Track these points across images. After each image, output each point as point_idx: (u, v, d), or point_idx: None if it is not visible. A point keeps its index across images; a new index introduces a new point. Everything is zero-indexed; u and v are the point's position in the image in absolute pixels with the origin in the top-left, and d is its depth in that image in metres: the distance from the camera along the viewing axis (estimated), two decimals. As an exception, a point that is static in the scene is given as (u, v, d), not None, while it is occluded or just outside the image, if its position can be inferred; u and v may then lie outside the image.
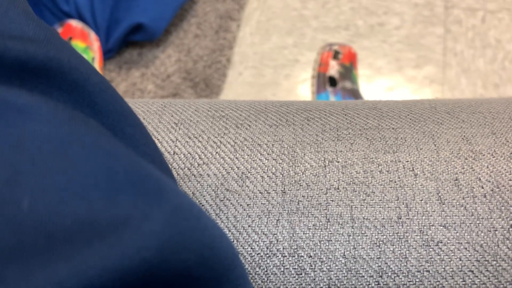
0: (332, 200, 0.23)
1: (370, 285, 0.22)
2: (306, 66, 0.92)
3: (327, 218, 0.23)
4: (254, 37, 0.96)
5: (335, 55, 0.83)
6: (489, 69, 0.91)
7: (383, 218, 0.23)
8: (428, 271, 0.22)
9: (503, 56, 0.92)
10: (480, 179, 0.23)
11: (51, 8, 0.88)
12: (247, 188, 0.24)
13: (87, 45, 0.85)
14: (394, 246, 0.22)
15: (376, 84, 0.90)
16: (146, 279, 0.13)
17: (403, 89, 0.90)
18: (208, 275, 0.15)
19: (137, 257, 0.13)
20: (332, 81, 0.81)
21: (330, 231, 0.22)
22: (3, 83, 0.15)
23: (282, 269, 0.22)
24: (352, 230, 0.22)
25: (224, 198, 0.24)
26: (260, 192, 0.24)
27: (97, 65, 0.86)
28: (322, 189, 0.24)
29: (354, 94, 0.81)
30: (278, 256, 0.22)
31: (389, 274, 0.22)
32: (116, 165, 0.15)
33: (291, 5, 1.00)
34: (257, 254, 0.22)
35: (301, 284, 0.22)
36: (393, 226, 0.22)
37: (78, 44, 0.83)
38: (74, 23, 0.85)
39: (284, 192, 0.24)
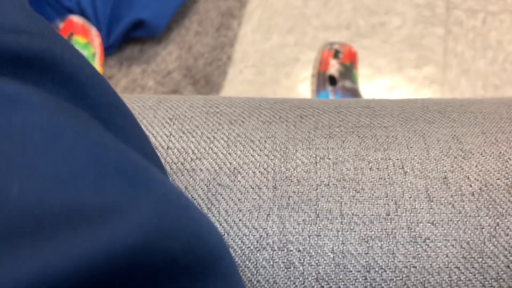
0: (322, 196, 0.24)
1: (357, 280, 0.22)
2: (307, 65, 0.92)
3: (317, 213, 0.23)
4: (255, 35, 0.96)
5: (336, 54, 0.83)
6: (490, 70, 0.91)
7: (372, 215, 0.23)
8: (415, 267, 0.22)
9: (503, 57, 0.92)
10: (468, 178, 0.24)
11: (52, 4, 0.88)
12: (238, 183, 0.24)
13: (88, 40, 0.85)
14: (382, 242, 0.22)
15: (376, 84, 0.90)
16: (132, 266, 0.13)
17: (403, 89, 0.90)
18: (195, 264, 0.16)
19: (122, 243, 0.13)
20: (332, 80, 0.81)
21: (320, 226, 0.23)
22: None
23: (271, 263, 0.22)
24: (341, 225, 0.23)
25: (216, 192, 0.24)
26: (251, 187, 0.24)
27: (98, 61, 0.86)
28: (312, 185, 0.24)
29: (354, 93, 0.81)
30: (267, 250, 0.23)
31: (377, 269, 0.22)
32: (104, 155, 0.15)
33: (292, 3, 1.00)
34: (247, 247, 0.23)
35: (290, 278, 0.22)
36: (381, 222, 0.23)
37: (79, 40, 0.84)
38: (76, 18, 0.85)
39: (275, 188, 0.24)
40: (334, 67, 0.82)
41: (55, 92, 0.17)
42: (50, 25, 0.20)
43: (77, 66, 0.19)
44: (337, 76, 0.81)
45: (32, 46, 0.17)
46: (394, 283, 0.22)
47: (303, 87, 0.90)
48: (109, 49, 0.91)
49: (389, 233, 0.23)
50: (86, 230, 0.13)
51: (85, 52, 0.84)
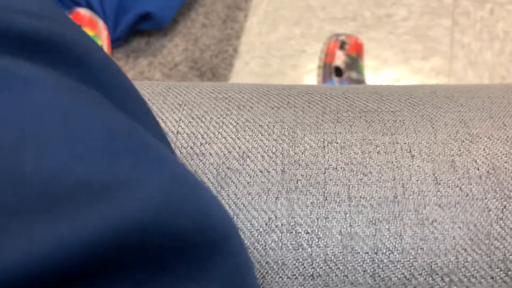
0: (330, 179, 0.24)
1: (365, 261, 0.22)
2: (313, 57, 0.92)
3: (325, 196, 0.23)
4: (261, 27, 0.96)
5: (342, 45, 0.83)
6: (497, 61, 0.90)
7: (380, 197, 0.23)
8: (422, 248, 0.22)
9: (511, 48, 0.91)
10: (476, 161, 0.24)
11: (60, -4, 0.89)
12: (247, 167, 0.24)
13: (95, 33, 0.85)
14: (390, 224, 0.23)
15: (382, 75, 0.90)
16: (142, 241, 0.14)
17: (410, 81, 0.90)
18: (204, 242, 0.16)
19: (133, 218, 0.13)
20: (338, 71, 0.81)
21: (328, 209, 0.23)
22: (8, 55, 0.16)
23: (280, 245, 0.23)
24: (349, 208, 0.23)
25: (225, 176, 0.24)
26: (260, 171, 0.24)
27: (105, 53, 0.87)
28: (320, 169, 0.24)
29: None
30: (276, 232, 0.23)
31: (384, 251, 0.22)
32: (115, 132, 0.15)
33: (298, -5, 1.00)
34: (256, 230, 0.23)
35: (298, 259, 0.22)
36: (389, 205, 0.23)
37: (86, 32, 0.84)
38: (83, 11, 0.86)
39: (284, 171, 0.24)
40: (340, 59, 0.82)
41: (67, 74, 0.18)
42: (61, 10, 0.20)
43: (87, 49, 0.19)
44: (343, 67, 0.81)
45: (44, 28, 0.17)
46: (401, 265, 0.22)
47: (309, 79, 0.90)
48: (116, 42, 0.91)
49: (397, 215, 0.23)
50: (99, 205, 0.13)
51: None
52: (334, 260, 0.22)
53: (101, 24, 0.87)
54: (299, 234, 0.23)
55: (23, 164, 0.13)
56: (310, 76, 0.90)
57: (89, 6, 0.89)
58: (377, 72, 0.90)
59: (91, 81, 0.19)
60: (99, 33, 0.86)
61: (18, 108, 0.14)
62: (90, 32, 0.85)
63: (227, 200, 0.24)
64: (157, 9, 0.89)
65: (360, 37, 0.92)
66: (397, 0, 0.97)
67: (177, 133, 0.26)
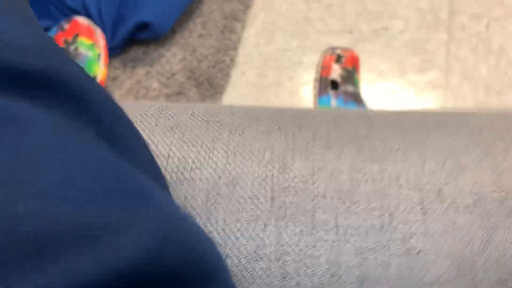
0: (319, 207, 0.24)
1: (351, 291, 0.22)
2: (309, 68, 0.93)
3: (313, 224, 0.24)
4: (259, 38, 0.97)
5: (338, 59, 0.83)
6: (492, 75, 0.91)
7: (367, 226, 0.23)
8: (408, 279, 0.22)
9: (506, 63, 0.92)
10: (463, 191, 0.24)
11: (57, 5, 0.89)
12: (237, 193, 0.25)
13: (93, 42, 0.86)
14: (377, 254, 0.23)
15: (378, 88, 0.91)
16: (134, 281, 0.14)
17: (406, 94, 0.90)
18: (193, 276, 0.16)
19: (126, 260, 0.14)
20: (334, 85, 0.81)
21: (316, 237, 0.23)
22: (3, 93, 0.16)
23: (268, 273, 0.23)
24: (337, 237, 0.23)
25: (215, 202, 0.24)
26: (249, 198, 0.24)
27: (102, 62, 0.87)
28: (309, 196, 0.24)
29: (356, 97, 0.81)
30: (264, 260, 0.23)
31: (370, 280, 0.22)
32: (107, 173, 0.15)
33: (296, 7, 1.00)
34: (244, 257, 0.23)
35: (285, 288, 0.23)
36: (376, 234, 0.23)
37: (84, 41, 0.84)
38: (81, 19, 0.86)
39: (273, 198, 0.24)
40: (336, 72, 0.82)
41: (60, 108, 0.18)
42: (51, 39, 0.20)
43: (78, 79, 0.19)
44: (339, 80, 0.81)
45: (38, 64, 0.17)
46: (387, 294, 0.22)
47: (305, 90, 0.91)
48: (114, 50, 0.92)
49: (384, 245, 0.23)
50: (89, 249, 0.13)
51: (90, 53, 0.84)
52: (321, 289, 0.22)
53: (99, 32, 0.87)
54: (287, 262, 0.23)
55: (15, 206, 0.13)
56: (306, 87, 0.91)
57: (87, 15, 0.89)
58: (374, 84, 0.91)
59: (83, 112, 0.19)
60: (97, 42, 0.87)
61: (12, 148, 0.15)
62: (88, 41, 0.85)
63: (215, 227, 0.24)
64: (155, 18, 0.89)
65: (357, 49, 0.93)
66: (394, 13, 0.98)
67: (168, 157, 0.26)
